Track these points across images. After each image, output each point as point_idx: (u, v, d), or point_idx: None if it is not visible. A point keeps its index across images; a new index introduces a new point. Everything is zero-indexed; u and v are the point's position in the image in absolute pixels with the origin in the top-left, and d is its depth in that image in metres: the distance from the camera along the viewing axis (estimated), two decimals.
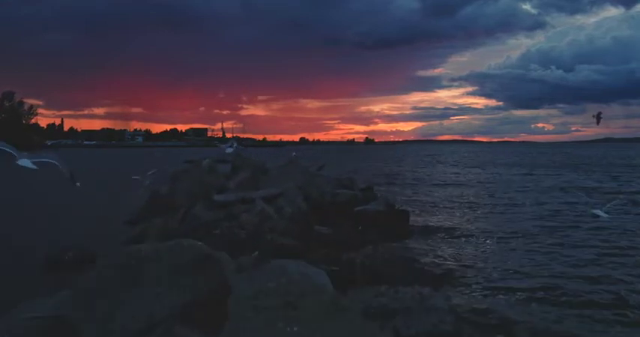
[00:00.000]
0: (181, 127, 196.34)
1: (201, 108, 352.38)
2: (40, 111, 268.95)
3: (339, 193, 11.85)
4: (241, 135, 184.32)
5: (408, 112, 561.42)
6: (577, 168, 39.86)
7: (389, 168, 40.59)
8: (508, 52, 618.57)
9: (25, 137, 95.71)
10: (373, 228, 10.47)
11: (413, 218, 12.65)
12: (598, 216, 8.35)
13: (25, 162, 4.90)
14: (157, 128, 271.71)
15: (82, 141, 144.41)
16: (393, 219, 11.36)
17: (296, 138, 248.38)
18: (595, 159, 59.63)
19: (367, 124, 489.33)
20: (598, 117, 10.07)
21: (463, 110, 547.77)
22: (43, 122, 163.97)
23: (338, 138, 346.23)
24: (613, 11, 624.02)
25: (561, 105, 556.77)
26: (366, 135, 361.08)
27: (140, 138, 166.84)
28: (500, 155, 78.82)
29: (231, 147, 13.01)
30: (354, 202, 11.69)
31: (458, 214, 14.82)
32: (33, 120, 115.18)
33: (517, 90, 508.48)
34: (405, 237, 11.13)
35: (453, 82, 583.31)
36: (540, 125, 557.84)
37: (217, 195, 9.68)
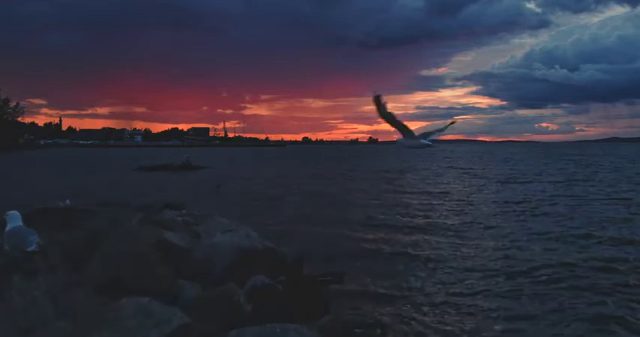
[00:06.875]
0: (183, 127, 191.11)
1: (204, 108, 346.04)
2: (43, 110, 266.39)
3: None
4: (244, 135, 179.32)
5: (411, 112, 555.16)
6: None
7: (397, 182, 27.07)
8: (512, 51, 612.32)
9: (9, 135, 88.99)
10: None
11: None
12: None
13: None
14: (160, 127, 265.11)
15: (78, 141, 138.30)
16: None
17: (299, 137, 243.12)
18: None
19: (370, 124, 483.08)
20: None
21: (467, 110, 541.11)
22: (45, 121, 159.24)
23: (341, 137, 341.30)
24: (618, 10, 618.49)
25: (566, 105, 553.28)
26: (370, 135, 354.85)
27: (139, 138, 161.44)
28: (535, 160, 70.82)
29: None
30: None
31: None
32: (30, 119, 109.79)
33: (521, 89, 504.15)
34: None
35: (457, 81, 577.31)
36: (544, 125, 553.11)
37: None
